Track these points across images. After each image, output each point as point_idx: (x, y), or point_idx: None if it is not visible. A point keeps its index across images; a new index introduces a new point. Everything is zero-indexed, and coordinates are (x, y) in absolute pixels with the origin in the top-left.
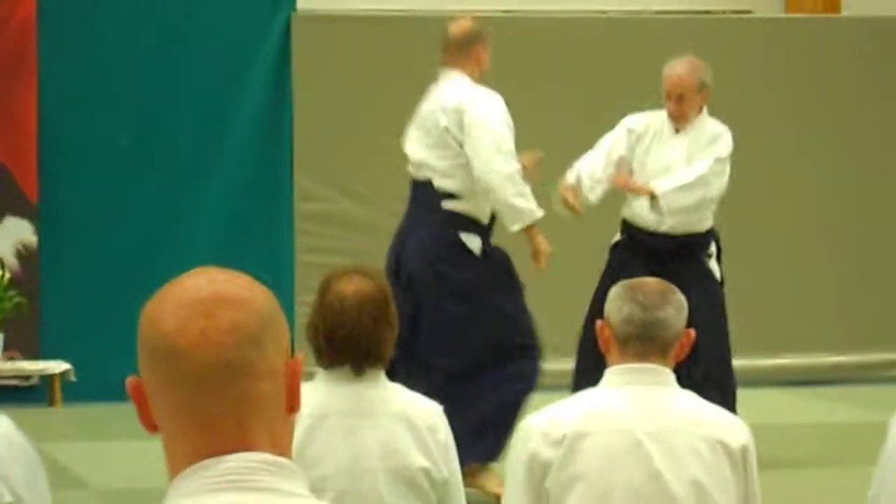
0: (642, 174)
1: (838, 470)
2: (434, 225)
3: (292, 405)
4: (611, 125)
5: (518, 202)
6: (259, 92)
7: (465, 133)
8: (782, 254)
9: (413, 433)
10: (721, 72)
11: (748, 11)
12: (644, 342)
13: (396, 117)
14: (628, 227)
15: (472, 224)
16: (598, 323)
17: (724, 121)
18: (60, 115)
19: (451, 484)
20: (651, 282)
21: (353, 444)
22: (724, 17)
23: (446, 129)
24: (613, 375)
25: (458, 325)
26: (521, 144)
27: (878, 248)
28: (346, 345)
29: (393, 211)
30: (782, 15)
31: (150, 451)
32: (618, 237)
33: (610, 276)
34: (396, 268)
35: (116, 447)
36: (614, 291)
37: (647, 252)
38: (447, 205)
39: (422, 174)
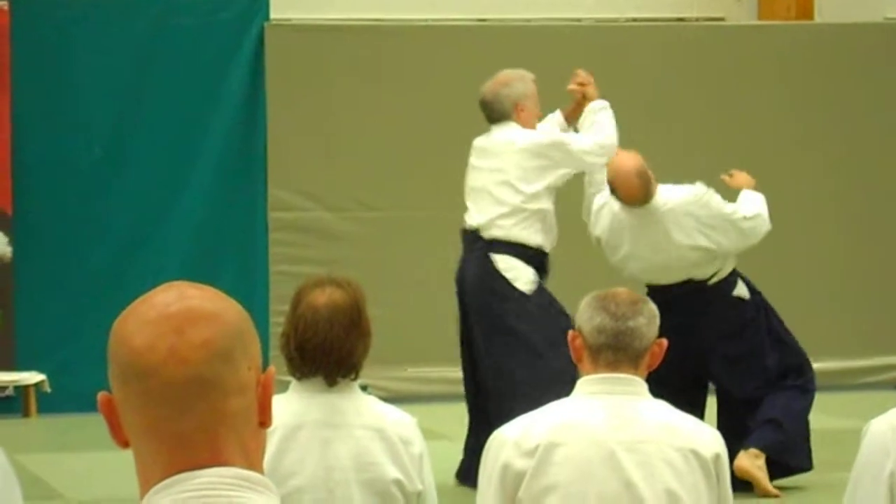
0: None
1: (815, 477)
2: None
3: (264, 420)
4: None
5: None
6: (232, 102)
7: None
8: (761, 263)
9: (386, 445)
10: (695, 78)
11: (721, 18)
12: (616, 352)
13: (370, 127)
14: None
15: None
16: (570, 333)
17: (698, 129)
18: (34, 127)
19: (425, 496)
20: (622, 291)
21: (327, 456)
22: (698, 24)
23: None
24: (585, 385)
25: None
26: None
27: (855, 257)
28: (318, 355)
29: (364, 220)
30: (755, 22)
31: (126, 462)
32: None
33: None
34: None
35: (91, 458)
36: (585, 301)
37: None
38: None
39: None
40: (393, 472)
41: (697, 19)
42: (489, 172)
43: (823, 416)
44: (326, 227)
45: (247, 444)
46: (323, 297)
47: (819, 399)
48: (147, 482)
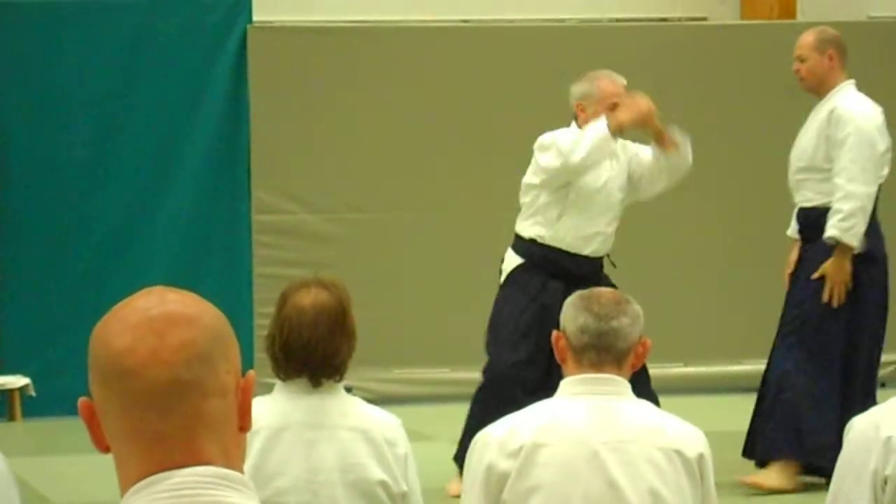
0: None
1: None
2: None
3: (243, 424)
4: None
5: None
6: (216, 104)
7: None
8: (743, 258)
9: (371, 446)
10: (678, 78)
11: (704, 18)
12: (599, 352)
13: (354, 128)
14: None
15: None
16: (555, 333)
17: (682, 128)
18: (17, 127)
19: (410, 497)
20: (606, 292)
21: (312, 457)
22: (680, 24)
23: None
24: (569, 386)
25: None
26: (478, 152)
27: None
28: (302, 356)
29: (348, 221)
30: (738, 21)
31: (110, 465)
32: None
33: None
34: None
35: (76, 461)
36: (569, 301)
37: None
38: None
39: None
40: (378, 474)
41: (680, 19)
42: None
43: None
44: (311, 230)
45: (226, 447)
46: (308, 298)
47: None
48: (127, 483)
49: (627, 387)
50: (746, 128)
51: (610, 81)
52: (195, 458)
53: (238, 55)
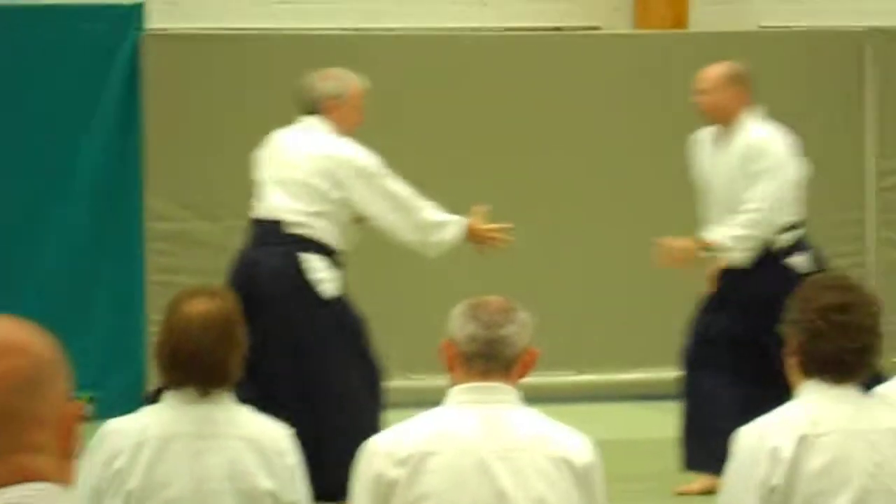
0: None
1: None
2: None
3: (68, 449)
4: (461, 141)
5: None
6: (108, 113)
7: None
8: (638, 267)
9: (260, 456)
10: (571, 88)
11: (597, 28)
12: (487, 360)
13: (246, 136)
14: None
15: None
16: (444, 341)
17: (572, 137)
18: None
19: None
20: (494, 300)
21: (200, 467)
22: (574, 33)
23: None
24: (458, 394)
25: None
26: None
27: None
28: (190, 365)
29: (241, 229)
30: (631, 31)
31: None
32: None
33: None
34: None
35: None
36: (457, 310)
37: None
38: None
39: None
40: (266, 483)
41: (573, 29)
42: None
43: None
44: (203, 237)
45: (50, 471)
46: (196, 307)
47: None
48: None
49: (516, 395)
50: (639, 137)
51: (359, 83)
52: (15, 478)
53: (131, 62)
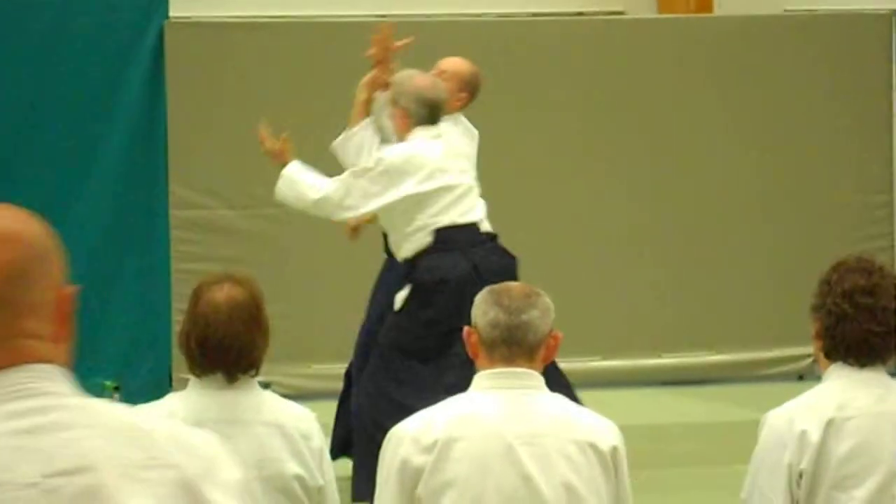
0: None
1: (718, 468)
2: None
3: (62, 334)
4: (485, 126)
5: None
6: (133, 99)
7: None
8: (659, 253)
9: (286, 441)
10: (594, 73)
11: (621, 12)
12: (510, 346)
13: (272, 124)
14: None
15: None
16: (466, 329)
17: (598, 123)
18: None
19: (326, 491)
20: (516, 286)
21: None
22: (597, 18)
23: None
24: (482, 380)
25: None
26: None
27: (757, 246)
28: (217, 352)
29: (267, 217)
30: (655, 15)
31: None
32: None
33: None
34: None
35: None
36: (480, 297)
37: None
38: None
39: None
40: (294, 468)
41: (597, 13)
42: (463, 172)
43: (728, 406)
44: (228, 225)
45: (47, 352)
46: (221, 294)
47: (724, 390)
48: None
49: (540, 380)
50: (664, 121)
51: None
52: (17, 360)
53: (155, 51)
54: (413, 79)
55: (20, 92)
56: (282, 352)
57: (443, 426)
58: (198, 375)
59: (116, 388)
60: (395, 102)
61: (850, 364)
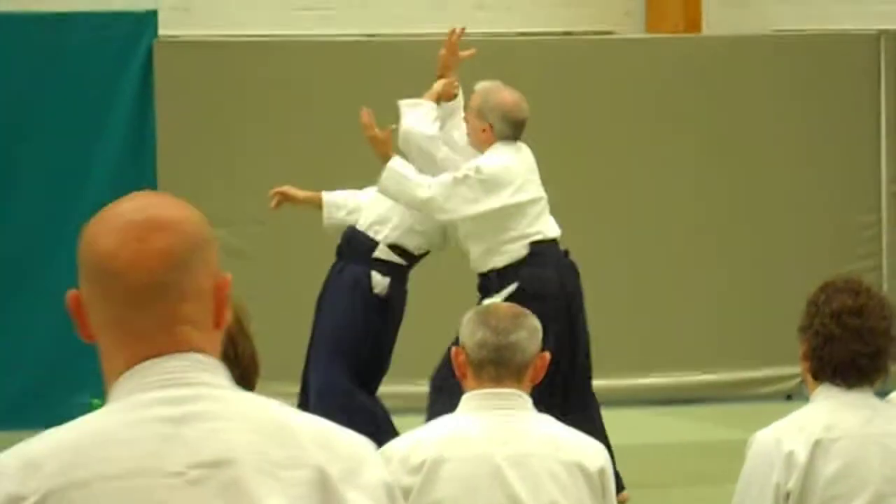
0: None
1: (706, 488)
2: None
3: (218, 321)
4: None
5: None
6: (122, 117)
7: None
8: (651, 272)
9: None
10: (583, 92)
11: (610, 32)
12: (498, 366)
13: (260, 142)
14: None
15: None
16: (454, 349)
17: (588, 141)
18: None
19: None
20: (503, 306)
21: None
22: (586, 38)
23: None
24: (470, 401)
25: None
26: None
27: (746, 266)
28: None
29: (255, 235)
30: (644, 35)
31: None
32: None
33: None
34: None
35: None
36: (468, 317)
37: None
38: None
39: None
40: None
41: (586, 33)
42: (540, 187)
43: (717, 426)
44: (218, 242)
45: (202, 342)
46: None
47: (712, 410)
48: (111, 371)
49: (528, 401)
50: (652, 141)
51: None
52: (173, 348)
53: (144, 69)
54: (500, 94)
55: (12, 108)
56: (267, 370)
57: (431, 447)
58: None
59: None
60: (480, 115)
61: (838, 385)
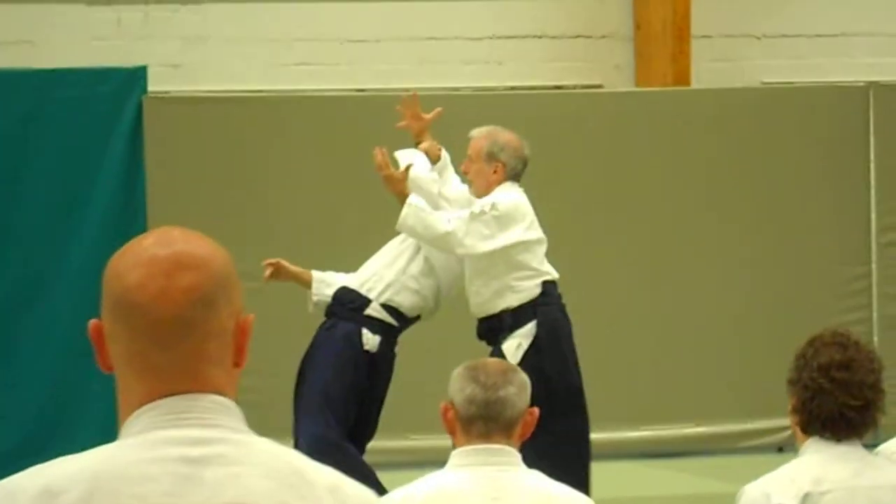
0: None
1: None
2: None
3: (238, 361)
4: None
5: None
6: (113, 173)
7: None
8: (636, 326)
9: None
10: (573, 146)
11: (599, 86)
12: (487, 422)
13: (249, 197)
14: None
15: None
16: (443, 405)
17: (578, 194)
18: None
19: None
20: (492, 362)
21: None
22: (576, 91)
23: None
24: (459, 457)
25: None
26: (376, 220)
27: (736, 319)
28: None
29: (246, 290)
30: (633, 89)
31: None
32: None
33: None
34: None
35: None
36: (456, 372)
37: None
38: None
39: None
40: None
41: (575, 87)
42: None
43: (708, 479)
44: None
45: (221, 381)
46: None
47: (703, 462)
48: (127, 405)
49: (517, 456)
50: (642, 194)
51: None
52: (193, 388)
53: (134, 125)
54: (505, 134)
55: (1, 165)
56: (252, 424)
57: (422, 503)
58: None
59: None
60: (490, 157)
61: (827, 438)
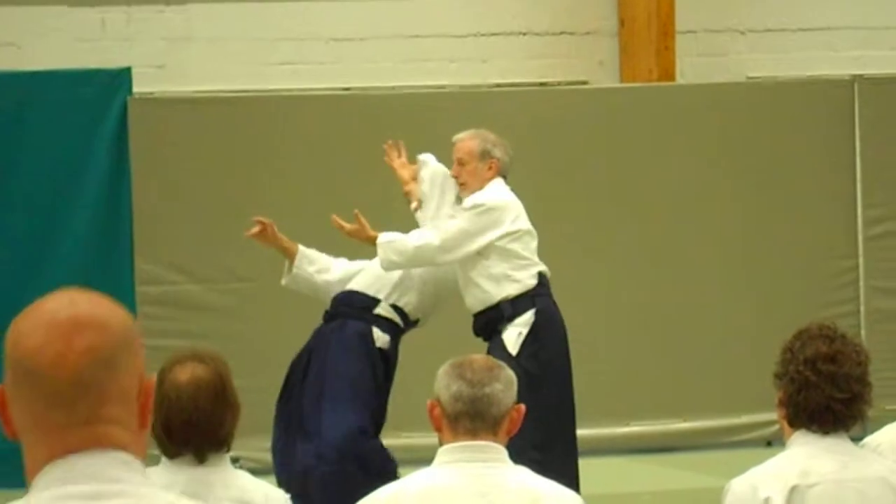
0: None
1: None
2: None
3: (143, 423)
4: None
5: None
6: (98, 176)
7: None
8: (625, 321)
9: None
10: (559, 143)
11: (584, 82)
12: (473, 419)
13: (236, 197)
14: None
15: None
16: (429, 402)
17: (564, 191)
18: None
19: None
20: (478, 358)
21: None
22: (561, 88)
23: None
24: (446, 454)
25: None
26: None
27: (723, 313)
28: (182, 434)
29: (233, 291)
30: (618, 84)
31: None
32: None
33: None
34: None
35: None
36: (443, 370)
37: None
38: None
39: None
40: None
41: (560, 83)
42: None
43: (696, 474)
44: (195, 300)
45: (125, 439)
46: (185, 375)
47: (691, 457)
48: (34, 466)
49: (504, 453)
50: (628, 190)
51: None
52: (95, 445)
53: (119, 126)
54: (491, 133)
55: None
56: (249, 426)
57: (409, 500)
58: (170, 457)
59: None
60: (483, 155)
61: (814, 431)
